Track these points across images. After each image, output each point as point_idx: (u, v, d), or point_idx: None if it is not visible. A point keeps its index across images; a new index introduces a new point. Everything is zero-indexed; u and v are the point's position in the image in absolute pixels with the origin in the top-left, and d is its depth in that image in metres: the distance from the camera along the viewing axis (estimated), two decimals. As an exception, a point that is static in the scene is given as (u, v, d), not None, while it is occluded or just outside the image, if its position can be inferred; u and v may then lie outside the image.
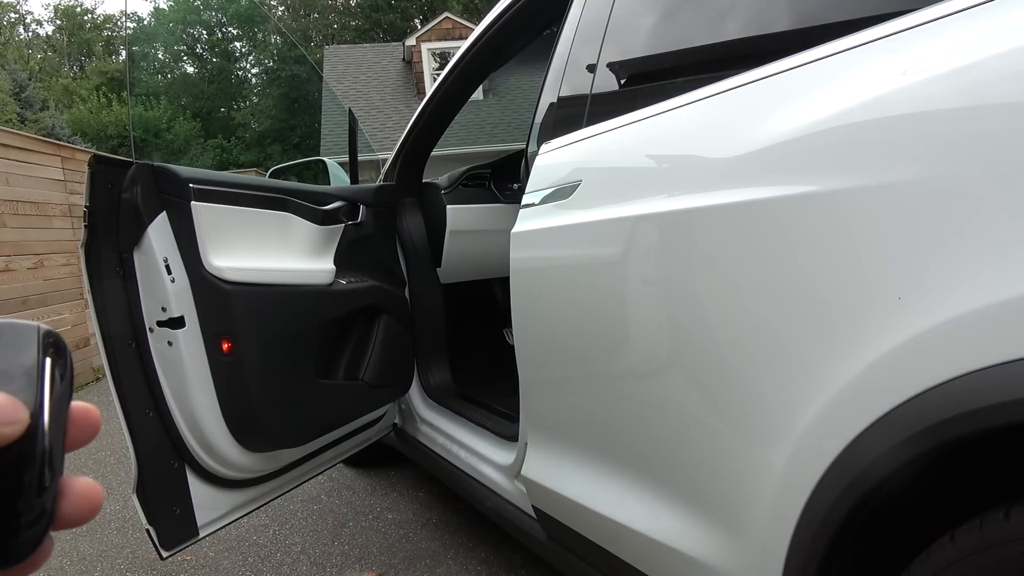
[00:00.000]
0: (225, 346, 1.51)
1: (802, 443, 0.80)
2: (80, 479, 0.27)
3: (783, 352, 0.83)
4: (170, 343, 1.47)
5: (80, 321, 5.28)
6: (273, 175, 3.07)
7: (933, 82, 0.70)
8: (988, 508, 0.65)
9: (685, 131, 1.05)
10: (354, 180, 2.35)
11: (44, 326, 0.28)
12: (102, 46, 34.48)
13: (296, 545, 2.24)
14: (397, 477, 2.78)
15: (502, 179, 2.41)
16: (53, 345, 0.27)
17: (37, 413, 0.25)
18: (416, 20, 28.00)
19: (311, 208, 1.79)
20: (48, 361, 0.27)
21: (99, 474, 3.10)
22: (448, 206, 2.18)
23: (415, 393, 2.20)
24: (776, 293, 0.84)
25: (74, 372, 0.28)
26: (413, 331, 2.18)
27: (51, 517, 0.26)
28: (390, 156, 2.30)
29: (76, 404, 0.28)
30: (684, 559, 1.03)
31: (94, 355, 5.35)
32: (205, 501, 1.59)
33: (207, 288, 1.49)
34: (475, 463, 1.82)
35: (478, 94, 13.57)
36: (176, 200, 1.48)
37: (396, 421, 2.27)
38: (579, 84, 1.39)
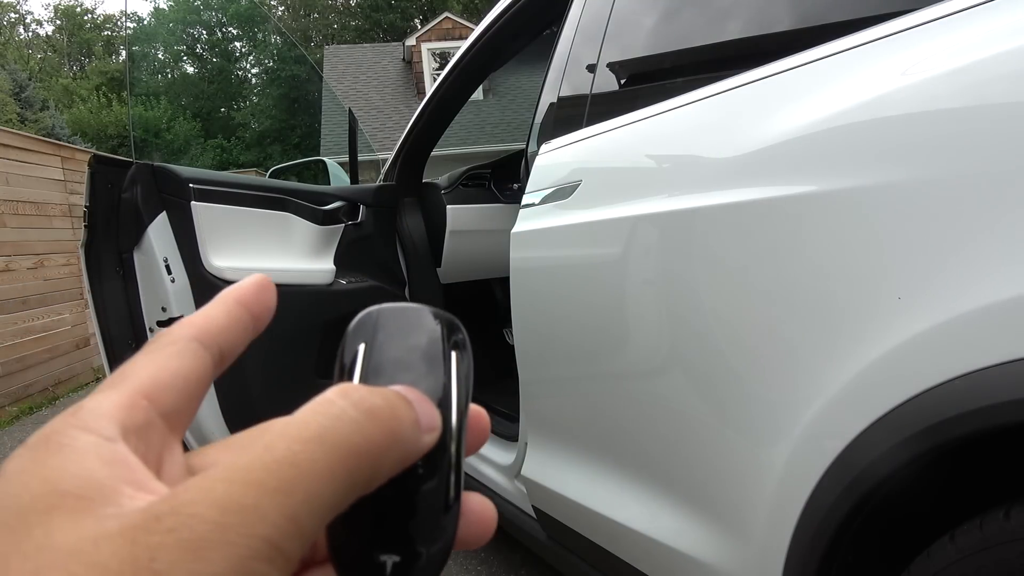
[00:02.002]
0: (225, 346, 1.52)
1: (802, 443, 0.80)
2: (472, 495, 0.23)
3: (783, 352, 0.83)
4: (170, 343, 1.47)
5: (80, 321, 5.27)
6: (273, 175, 3.07)
7: (933, 82, 0.70)
8: (988, 508, 0.65)
9: (685, 131, 1.06)
10: (354, 180, 2.35)
11: (446, 313, 0.24)
12: (102, 46, 34.50)
13: (296, 545, 2.24)
14: (397, 477, 2.78)
15: (502, 179, 2.41)
16: (457, 335, 0.24)
17: (447, 417, 0.22)
18: (416, 20, 28.00)
19: (311, 208, 1.79)
20: (454, 355, 0.23)
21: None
22: (448, 206, 2.18)
23: (415, 393, 2.20)
24: (776, 293, 0.84)
25: (472, 372, 0.24)
26: None
27: (452, 540, 0.21)
28: (390, 156, 2.30)
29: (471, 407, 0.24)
30: (684, 559, 1.03)
31: (94, 355, 5.35)
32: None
33: (207, 288, 1.49)
34: (475, 463, 1.82)
35: (478, 94, 13.57)
36: (176, 200, 1.48)
37: (396, 421, 2.27)
38: (579, 84, 1.39)
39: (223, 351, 0.21)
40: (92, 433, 0.16)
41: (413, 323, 0.23)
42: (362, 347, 0.22)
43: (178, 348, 0.20)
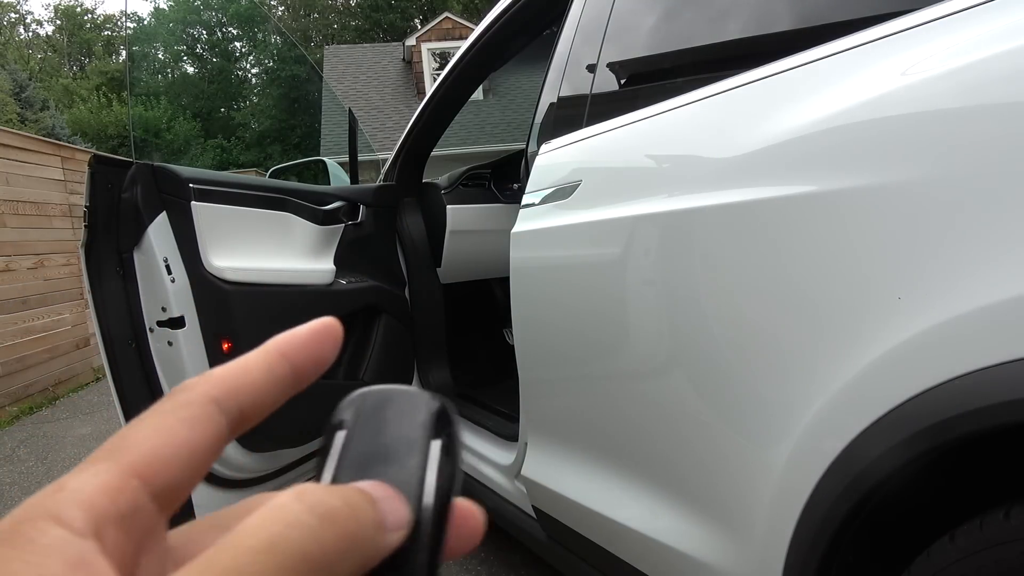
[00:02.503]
0: (225, 346, 1.52)
1: (802, 443, 0.80)
2: None
3: (783, 352, 0.83)
4: (170, 343, 1.47)
5: (80, 321, 5.27)
6: (273, 175, 3.07)
7: (933, 82, 0.70)
8: (988, 508, 0.65)
9: (685, 131, 1.06)
10: (354, 180, 2.35)
11: (436, 397, 0.23)
12: (102, 46, 34.50)
13: (296, 545, 2.24)
14: (397, 477, 2.78)
15: (502, 179, 2.41)
16: (444, 423, 0.22)
17: (417, 514, 0.20)
18: (416, 20, 28.01)
19: (311, 208, 1.79)
20: (437, 445, 0.21)
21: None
22: (448, 206, 2.18)
23: (415, 393, 2.19)
24: (776, 293, 0.84)
25: (459, 462, 0.23)
26: (413, 331, 2.18)
27: None
28: (390, 156, 2.30)
29: (458, 502, 0.22)
30: (684, 559, 1.03)
31: (94, 355, 5.35)
32: (205, 501, 1.59)
33: (207, 288, 1.49)
34: (475, 463, 1.82)
35: (478, 94, 13.57)
36: (176, 200, 1.48)
37: (396, 421, 2.27)
38: (579, 84, 1.39)
39: (245, 412, 0.20)
40: (64, 526, 0.16)
41: (399, 409, 0.22)
42: (342, 435, 0.21)
43: (191, 413, 0.19)
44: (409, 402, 0.22)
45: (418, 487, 0.20)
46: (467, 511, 0.22)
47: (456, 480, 0.22)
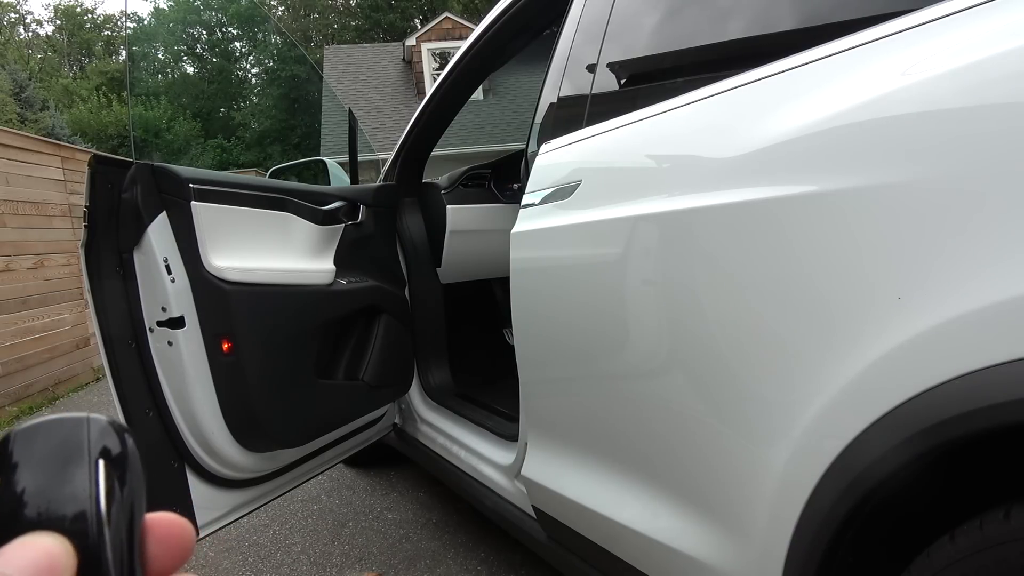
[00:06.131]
0: (225, 346, 1.51)
1: (802, 443, 0.80)
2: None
3: (783, 352, 0.83)
4: (170, 343, 1.47)
5: (80, 321, 5.27)
6: (273, 175, 3.07)
7: (933, 82, 0.70)
8: (988, 508, 0.65)
9: (685, 131, 1.05)
10: (354, 180, 2.35)
11: (95, 417, 0.22)
12: (102, 46, 34.50)
13: (296, 545, 2.24)
14: (397, 477, 2.78)
15: (502, 179, 2.41)
16: (108, 440, 0.21)
17: (96, 542, 0.20)
18: (416, 20, 28.03)
19: (311, 208, 1.79)
20: (102, 466, 0.21)
21: (99, 474, 3.09)
22: (448, 206, 2.18)
23: (415, 393, 2.20)
24: (776, 293, 0.84)
25: (141, 473, 0.22)
26: (413, 331, 2.18)
27: None
28: (390, 156, 2.30)
29: (158, 516, 0.22)
30: (684, 559, 1.03)
31: (94, 355, 5.35)
32: (205, 501, 1.59)
33: (207, 288, 1.49)
34: (475, 463, 1.82)
35: (478, 94, 13.57)
36: (176, 200, 1.48)
37: (396, 421, 2.27)
38: (579, 84, 1.39)
39: None
40: None
41: (55, 442, 0.21)
42: None
43: None
44: (66, 431, 0.21)
45: (92, 517, 0.20)
46: (172, 526, 0.21)
47: (135, 497, 0.21)
